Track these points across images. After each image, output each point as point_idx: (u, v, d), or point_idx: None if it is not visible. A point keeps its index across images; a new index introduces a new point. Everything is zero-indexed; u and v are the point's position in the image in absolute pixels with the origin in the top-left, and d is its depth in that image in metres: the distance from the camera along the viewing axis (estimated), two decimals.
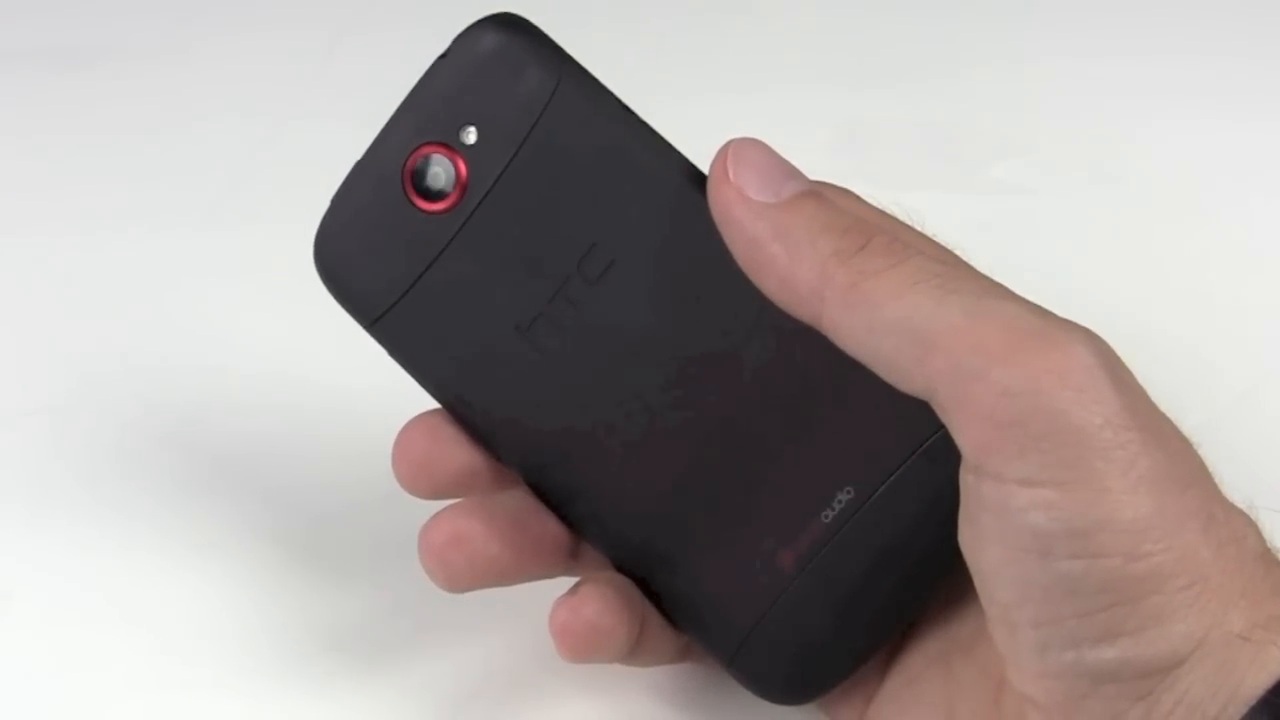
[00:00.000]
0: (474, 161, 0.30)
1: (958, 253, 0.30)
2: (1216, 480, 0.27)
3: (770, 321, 0.29)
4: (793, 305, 0.28)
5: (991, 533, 0.26)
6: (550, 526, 0.32)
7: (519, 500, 0.32)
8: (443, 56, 0.30)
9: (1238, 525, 0.26)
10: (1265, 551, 0.26)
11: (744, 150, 0.29)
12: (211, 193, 0.52)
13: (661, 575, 0.31)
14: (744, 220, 0.28)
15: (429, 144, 0.30)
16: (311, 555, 0.39)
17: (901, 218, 0.31)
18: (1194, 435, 0.27)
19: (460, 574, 0.31)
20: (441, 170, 0.30)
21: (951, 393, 0.26)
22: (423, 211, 0.30)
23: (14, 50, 0.58)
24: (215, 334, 0.46)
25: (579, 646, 0.30)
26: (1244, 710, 0.25)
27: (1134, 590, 0.25)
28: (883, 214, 0.31)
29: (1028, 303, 0.27)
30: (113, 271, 0.48)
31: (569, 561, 0.32)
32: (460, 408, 0.31)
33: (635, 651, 0.31)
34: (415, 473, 0.31)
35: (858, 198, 0.31)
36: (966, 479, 0.27)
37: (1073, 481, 0.25)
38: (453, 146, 0.30)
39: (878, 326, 0.27)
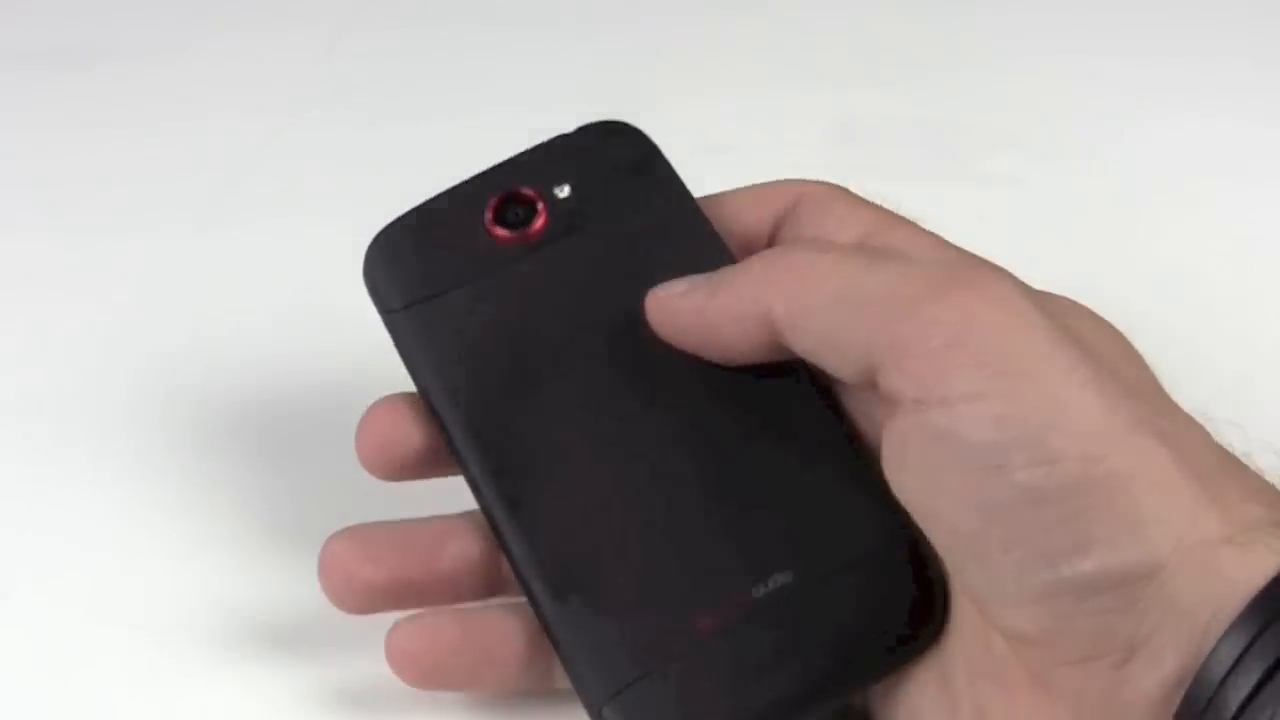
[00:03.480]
0: (555, 214, 0.33)
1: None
2: (1170, 399, 0.27)
3: (748, 410, 0.31)
4: (753, 337, 0.29)
5: (946, 463, 0.26)
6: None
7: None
8: (567, 134, 0.34)
9: (1192, 436, 0.27)
10: (1223, 460, 0.26)
11: (657, 289, 0.31)
12: (211, 191, 0.52)
13: (572, 603, 0.30)
14: (681, 300, 0.31)
15: (528, 186, 0.33)
16: (315, 550, 0.39)
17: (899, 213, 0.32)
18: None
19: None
20: (526, 209, 0.33)
21: (885, 339, 0.27)
22: (491, 235, 0.33)
23: (14, 50, 0.58)
24: (215, 332, 0.46)
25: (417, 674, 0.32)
26: (1238, 612, 0.24)
27: (1097, 494, 0.25)
28: (875, 207, 0.32)
29: (952, 258, 0.29)
30: (112, 270, 0.49)
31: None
32: (439, 412, 0.32)
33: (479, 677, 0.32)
34: (376, 453, 0.33)
35: (850, 193, 0.32)
36: (909, 422, 0.27)
37: (1016, 389, 0.26)
38: (544, 194, 0.33)
39: (818, 308, 0.28)
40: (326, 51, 0.58)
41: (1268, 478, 0.27)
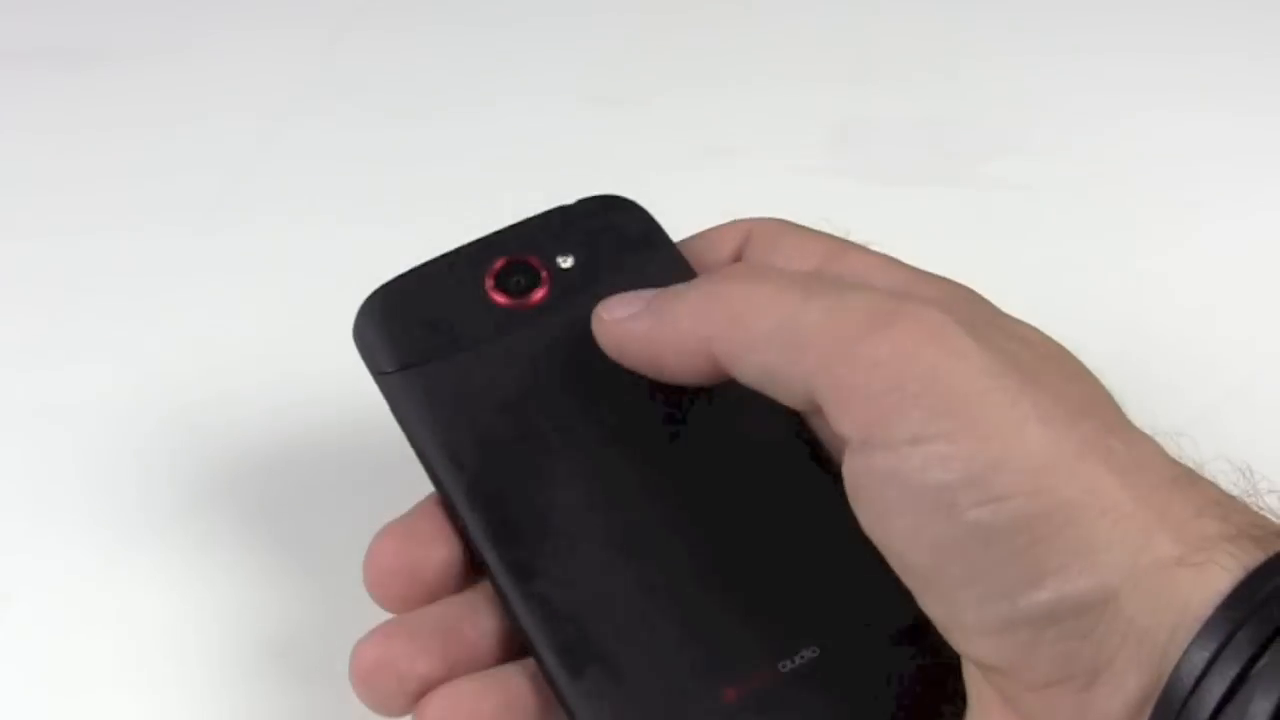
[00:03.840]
0: (557, 283, 0.33)
1: (938, 260, 0.30)
2: (1123, 414, 0.27)
3: (766, 475, 0.31)
4: (698, 367, 0.29)
5: (896, 504, 0.26)
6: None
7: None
8: (567, 205, 0.34)
9: (1142, 453, 0.26)
10: (1176, 475, 0.26)
11: (600, 309, 0.31)
12: (212, 191, 0.52)
13: (588, 679, 0.29)
14: (625, 326, 0.30)
15: (532, 254, 0.33)
16: (314, 560, 0.39)
17: (846, 237, 0.32)
18: (1189, 428, 0.27)
19: None
20: (529, 277, 0.33)
21: (826, 381, 0.27)
22: (492, 301, 0.33)
23: (14, 50, 0.58)
24: (215, 333, 0.46)
25: None
26: (1195, 631, 0.24)
27: (1046, 526, 0.25)
28: (824, 236, 0.32)
29: (887, 291, 0.28)
30: (112, 270, 0.49)
31: None
32: (440, 477, 0.31)
33: None
34: (396, 586, 0.31)
35: (796, 225, 0.32)
36: (858, 463, 0.27)
37: (958, 429, 0.26)
38: (548, 263, 0.33)
39: (756, 343, 0.28)
40: (327, 50, 0.58)
41: (1222, 486, 0.27)
